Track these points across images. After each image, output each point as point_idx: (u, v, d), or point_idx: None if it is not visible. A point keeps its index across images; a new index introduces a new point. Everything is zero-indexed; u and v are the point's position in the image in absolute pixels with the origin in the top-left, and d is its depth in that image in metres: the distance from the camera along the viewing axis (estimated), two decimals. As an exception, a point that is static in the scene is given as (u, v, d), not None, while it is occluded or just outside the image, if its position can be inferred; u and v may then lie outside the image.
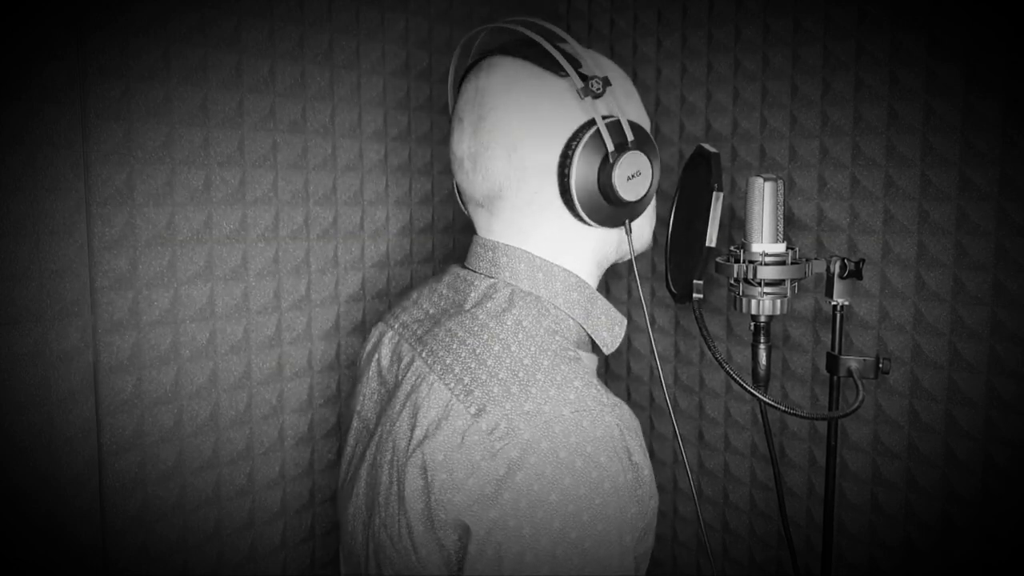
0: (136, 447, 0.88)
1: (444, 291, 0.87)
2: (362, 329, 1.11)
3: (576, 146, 0.77)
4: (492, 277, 0.82)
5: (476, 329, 0.77)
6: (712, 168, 0.90)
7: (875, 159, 1.04)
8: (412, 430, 0.74)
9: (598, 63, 0.84)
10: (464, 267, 0.87)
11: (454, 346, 0.76)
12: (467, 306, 0.81)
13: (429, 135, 1.17)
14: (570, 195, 0.78)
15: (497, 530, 0.67)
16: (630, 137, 0.77)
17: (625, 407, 0.74)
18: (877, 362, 0.95)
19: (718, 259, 0.97)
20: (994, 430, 0.98)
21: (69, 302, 0.81)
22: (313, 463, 1.06)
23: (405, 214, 1.15)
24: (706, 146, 0.94)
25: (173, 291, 0.90)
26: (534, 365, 0.72)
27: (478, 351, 0.74)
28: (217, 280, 0.94)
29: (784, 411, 0.87)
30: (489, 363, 0.73)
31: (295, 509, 1.04)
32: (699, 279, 0.92)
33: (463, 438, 0.69)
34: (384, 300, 1.14)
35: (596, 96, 0.76)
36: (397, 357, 0.84)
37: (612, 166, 0.76)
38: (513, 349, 0.74)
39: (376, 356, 0.88)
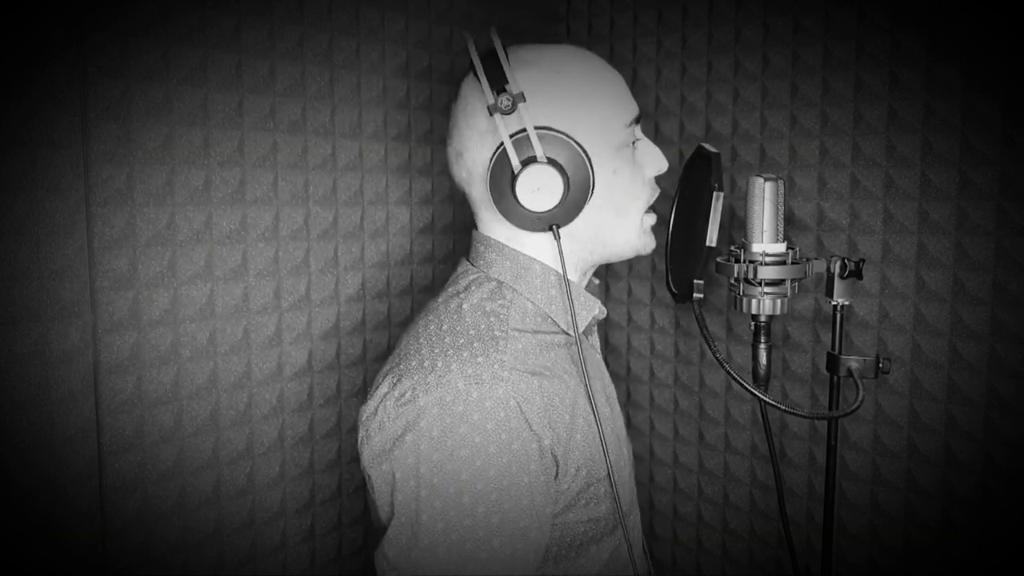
0: (136, 447, 0.88)
1: (448, 278, 0.94)
2: (362, 329, 1.11)
3: (493, 160, 0.83)
4: (474, 265, 0.90)
5: (429, 312, 0.86)
6: (712, 168, 0.90)
7: (875, 159, 1.04)
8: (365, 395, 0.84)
9: (544, 65, 0.85)
10: (467, 257, 0.93)
11: (412, 328, 0.86)
12: (442, 292, 0.90)
13: (429, 135, 1.17)
14: (496, 203, 0.84)
15: (390, 480, 0.77)
16: (538, 152, 0.81)
17: (532, 381, 0.78)
18: (877, 362, 0.95)
19: (718, 259, 0.97)
20: (994, 430, 0.98)
21: (69, 302, 0.81)
22: (313, 463, 1.06)
23: (405, 214, 1.15)
24: (706, 146, 0.94)
25: (173, 291, 0.90)
26: (452, 342, 0.80)
27: (419, 331, 0.83)
28: (217, 280, 0.94)
29: (784, 411, 0.87)
30: (421, 341, 0.82)
31: (295, 509, 1.04)
32: (699, 279, 0.92)
33: (380, 402, 0.79)
34: (384, 300, 1.14)
35: (505, 113, 0.81)
36: None
37: (514, 180, 0.81)
38: (444, 328, 0.82)
39: None
